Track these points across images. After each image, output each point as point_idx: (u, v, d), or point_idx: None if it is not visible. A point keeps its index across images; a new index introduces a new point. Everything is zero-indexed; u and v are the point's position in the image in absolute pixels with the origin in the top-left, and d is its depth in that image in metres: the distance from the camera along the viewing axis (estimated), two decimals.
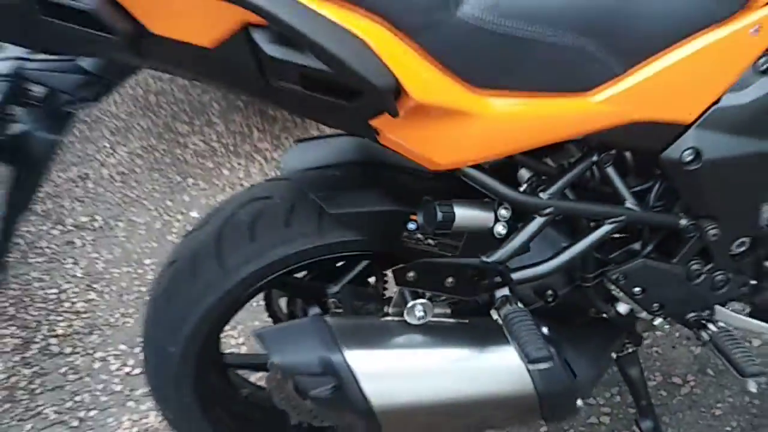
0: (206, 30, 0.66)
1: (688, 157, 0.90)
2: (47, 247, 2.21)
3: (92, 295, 1.99)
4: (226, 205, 1.01)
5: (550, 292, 0.98)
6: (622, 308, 1.02)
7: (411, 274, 0.87)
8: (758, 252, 1.02)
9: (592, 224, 0.93)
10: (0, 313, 1.98)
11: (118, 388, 1.68)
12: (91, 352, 1.80)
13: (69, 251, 2.19)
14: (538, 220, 0.87)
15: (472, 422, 0.95)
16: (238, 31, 0.66)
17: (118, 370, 1.74)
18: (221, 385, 1.16)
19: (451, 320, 0.94)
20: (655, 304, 1.00)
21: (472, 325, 0.95)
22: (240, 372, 1.27)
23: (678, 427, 1.41)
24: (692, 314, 1.03)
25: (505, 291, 0.90)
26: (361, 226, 0.92)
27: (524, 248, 0.88)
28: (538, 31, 0.77)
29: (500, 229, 0.87)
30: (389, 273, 0.94)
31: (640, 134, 0.88)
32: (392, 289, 0.99)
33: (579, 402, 0.97)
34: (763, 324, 1.08)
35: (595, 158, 0.91)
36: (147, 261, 2.09)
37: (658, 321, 1.03)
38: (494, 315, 0.89)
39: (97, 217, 2.33)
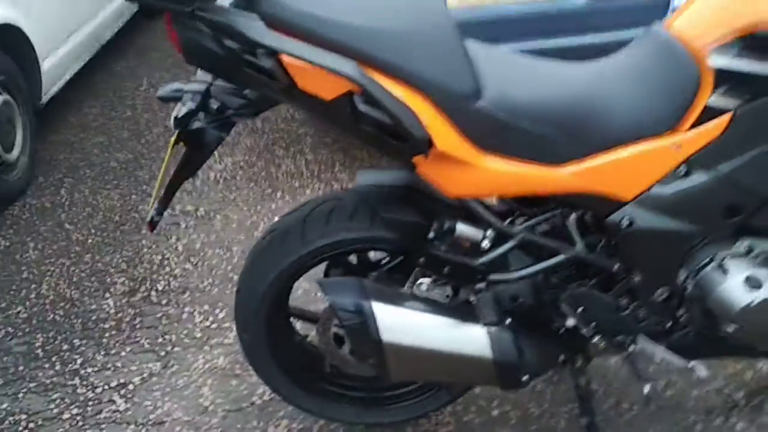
0: (328, 91, 1.17)
1: (624, 223, 1.34)
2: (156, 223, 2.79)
3: (188, 266, 2.54)
4: (312, 200, 1.52)
5: (520, 299, 1.42)
6: (570, 322, 1.44)
7: (422, 260, 1.35)
8: (674, 302, 1.43)
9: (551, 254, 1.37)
10: (115, 266, 2.56)
11: (198, 335, 2.19)
12: (181, 306, 2.33)
13: (174, 230, 2.76)
14: (510, 243, 1.33)
15: (446, 371, 1.40)
16: (345, 94, 1.17)
17: (200, 322, 2.25)
18: (283, 326, 1.65)
19: (446, 298, 1.40)
20: (592, 324, 1.43)
21: (459, 304, 1.41)
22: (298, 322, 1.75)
23: None
24: (620, 337, 1.44)
25: (483, 285, 1.35)
26: (397, 229, 1.40)
27: (500, 260, 1.34)
28: (527, 123, 1.25)
29: (485, 244, 1.34)
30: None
31: (592, 201, 1.33)
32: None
33: (525, 377, 1.40)
34: (672, 355, 1.47)
35: (559, 211, 1.36)
36: (235, 248, 2.62)
37: (595, 339, 1.45)
38: (473, 299, 1.35)
39: (200, 208, 2.90)
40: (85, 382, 2.04)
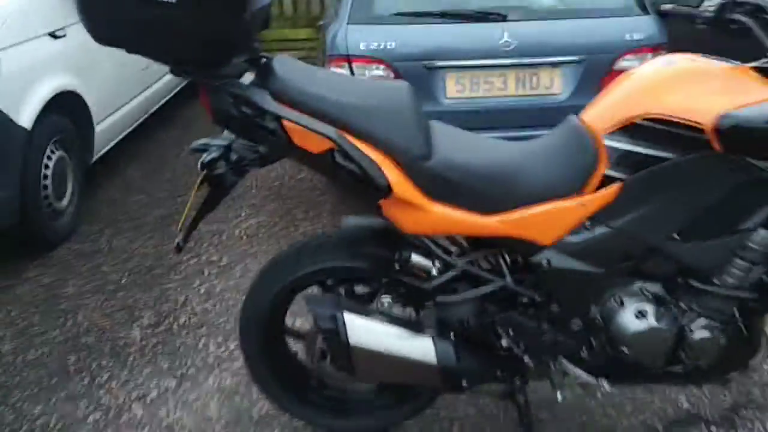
0: (316, 147, 1.66)
1: (544, 263, 1.77)
2: (184, 270, 3.30)
3: (207, 306, 3.01)
4: (306, 238, 2.00)
5: (465, 320, 1.84)
6: (504, 343, 1.85)
7: (385, 282, 1.80)
8: (590, 333, 1.84)
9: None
10: (144, 303, 3.04)
11: (211, 361, 2.62)
12: (198, 338, 2.77)
13: (199, 276, 3.25)
14: (452, 272, 1.78)
15: (401, 373, 1.81)
16: (328, 149, 1.66)
17: (213, 351, 2.68)
18: (278, 341, 2.09)
19: (403, 314, 1.85)
20: (521, 345, 1.84)
21: (413, 319, 1.85)
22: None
23: None
24: (544, 357, 1.85)
25: (431, 305, 1.80)
26: (369, 259, 1.86)
27: (446, 285, 1.78)
28: (467, 181, 1.72)
29: (434, 272, 1.79)
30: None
31: (518, 244, 1.77)
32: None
33: (464, 383, 1.81)
34: (587, 375, 1.86)
35: (493, 250, 1.81)
36: None
37: (525, 358, 1.86)
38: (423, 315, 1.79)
39: (223, 259, 3.40)
40: (108, 394, 2.47)
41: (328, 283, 1.95)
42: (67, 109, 3.66)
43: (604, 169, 1.74)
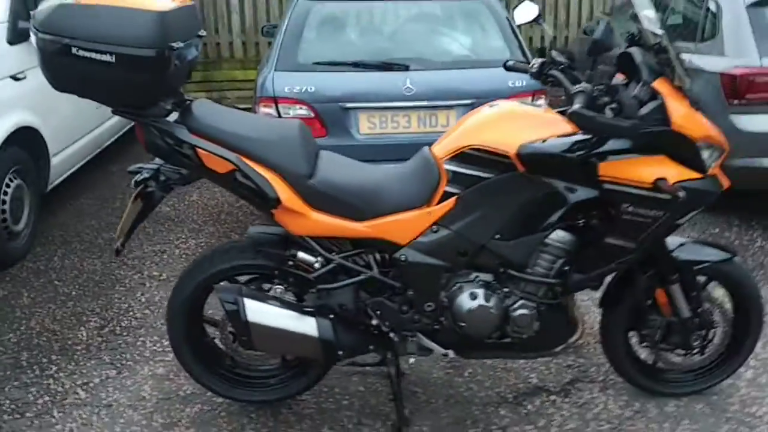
0: (222, 168, 2.20)
1: (402, 259, 2.32)
2: (128, 283, 3.77)
3: (147, 312, 3.48)
4: (220, 243, 2.51)
5: (343, 304, 2.36)
6: (374, 322, 2.38)
7: (277, 273, 2.33)
8: (439, 313, 2.38)
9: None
10: (91, 310, 3.48)
11: (147, 354, 3.08)
12: (137, 337, 3.24)
13: (141, 288, 3.72)
14: (330, 266, 2.31)
15: (288, 345, 2.33)
16: (231, 170, 2.20)
17: (150, 347, 3.15)
18: (198, 328, 2.58)
19: (292, 299, 2.37)
20: (387, 323, 2.37)
21: (300, 302, 2.37)
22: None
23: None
24: (405, 332, 2.38)
25: (314, 291, 2.32)
26: (269, 258, 2.39)
27: (326, 276, 2.31)
28: (340, 195, 2.27)
29: (316, 265, 2.32)
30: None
31: (382, 244, 2.32)
32: None
33: (340, 353, 2.34)
34: (434, 344, 2.41)
35: (364, 249, 2.35)
36: None
37: (391, 334, 2.39)
38: (307, 299, 2.32)
39: (164, 274, 3.87)
40: (56, 382, 2.91)
41: (237, 278, 2.46)
42: (25, 143, 4.12)
43: (444, 186, 2.30)
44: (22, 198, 4.10)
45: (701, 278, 2.62)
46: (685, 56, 4.84)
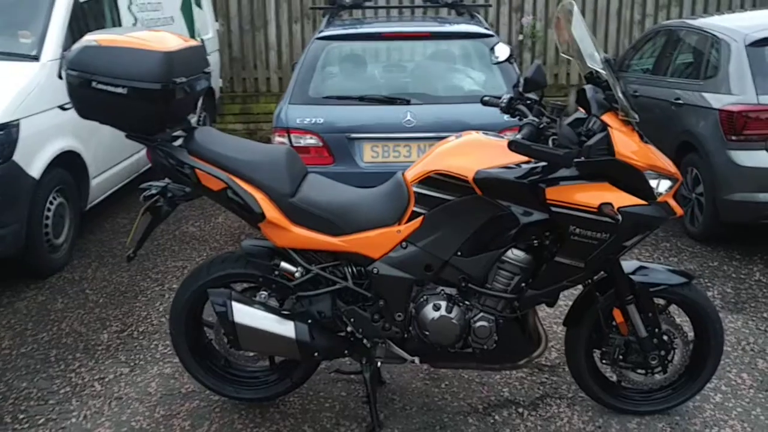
0: (215, 186, 2.53)
1: (375, 271, 2.59)
2: (149, 294, 4.12)
3: (163, 320, 3.81)
4: (216, 254, 2.83)
5: (320, 310, 2.63)
6: (349, 329, 2.63)
7: (261, 280, 2.63)
8: (407, 322, 2.63)
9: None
10: (114, 317, 3.84)
11: (158, 356, 3.42)
12: (152, 341, 3.58)
13: (161, 299, 4.07)
14: (309, 275, 2.59)
15: (269, 344, 2.61)
16: (223, 188, 2.52)
17: (162, 350, 3.48)
18: (197, 330, 2.89)
19: (275, 304, 2.65)
20: (360, 330, 2.63)
21: (280, 307, 2.65)
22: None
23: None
24: (375, 339, 2.63)
25: (294, 298, 2.60)
26: (258, 268, 2.68)
27: (306, 285, 2.59)
28: (318, 213, 2.57)
29: (297, 275, 2.60)
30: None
31: (357, 257, 2.60)
32: None
33: (316, 355, 2.61)
34: (403, 352, 2.64)
35: (339, 261, 2.63)
36: None
37: (364, 340, 2.64)
38: (287, 304, 2.61)
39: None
40: (77, 376, 3.27)
41: (231, 285, 2.76)
42: (68, 165, 4.57)
43: (413, 207, 2.58)
44: (63, 215, 4.53)
45: (661, 301, 2.80)
46: (689, 93, 5.04)
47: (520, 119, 2.73)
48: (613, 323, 2.76)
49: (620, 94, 2.48)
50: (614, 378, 2.92)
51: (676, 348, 2.82)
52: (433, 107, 4.27)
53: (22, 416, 2.96)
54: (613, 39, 8.93)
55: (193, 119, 5.62)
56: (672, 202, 2.55)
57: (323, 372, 3.13)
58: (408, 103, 4.27)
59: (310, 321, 2.63)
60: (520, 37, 8.81)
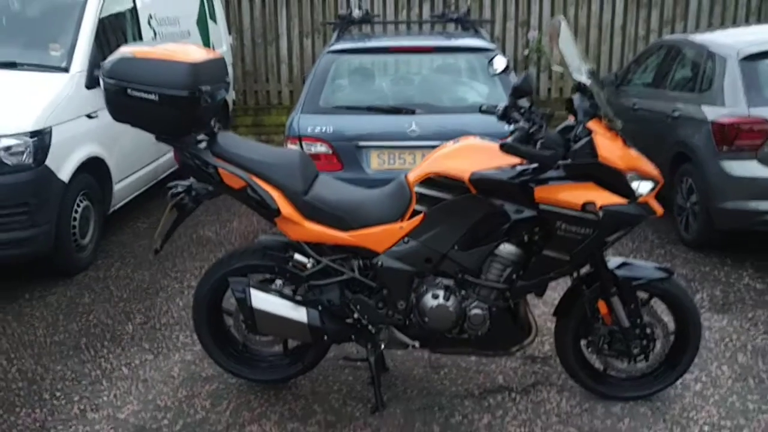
0: (237, 184, 2.84)
1: (379, 264, 2.88)
2: (170, 290, 4.43)
3: (183, 314, 4.12)
4: (236, 247, 3.12)
5: (329, 298, 2.92)
6: (356, 315, 2.92)
7: (277, 270, 2.92)
8: (409, 310, 2.91)
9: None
10: (138, 310, 4.14)
11: (179, 345, 3.72)
12: (173, 332, 3.89)
13: (180, 295, 4.38)
14: (319, 266, 2.89)
15: (284, 328, 2.90)
16: (244, 186, 2.83)
17: (182, 339, 3.79)
18: (217, 317, 3.18)
19: (289, 292, 2.95)
20: (365, 317, 2.91)
21: (295, 295, 2.94)
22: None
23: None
24: (380, 326, 2.91)
25: (307, 287, 2.90)
26: (274, 259, 2.98)
27: (318, 274, 2.88)
28: (329, 209, 2.86)
29: (309, 265, 2.90)
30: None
31: (363, 251, 2.90)
32: None
33: (325, 338, 2.90)
34: (405, 337, 2.92)
35: (348, 254, 2.91)
36: None
37: (369, 326, 2.92)
38: (300, 292, 2.90)
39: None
40: (106, 360, 3.58)
41: (250, 275, 3.06)
42: (94, 171, 4.90)
43: (414, 205, 2.87)
44: (88, 217, 4.86)
45: (644, 294, 3.07)
46: (685, 106, 5.31)
47: (514, 125, 3.02)
48: (598, 314, 3.03)
49: (604, 103, 2.76)
50: (600, 366, 3.19)
51: (657, 338, 3.08)
52: (436, 117, 4.58)
53: (59, 394, 3.27)
54: (618, 53, 9.22)
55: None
56: (653, 202, 2.83)
57: (332, 359, 3.42)
58: (413, 113, 4.58)
59: (320, 307, 2.92)
60: (526, 52, 9.12)
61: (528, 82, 2.72)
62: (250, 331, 3.04)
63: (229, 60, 8.31)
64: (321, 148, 4.50)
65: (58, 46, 5.02)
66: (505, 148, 2.67)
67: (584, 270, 3.02)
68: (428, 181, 2.84)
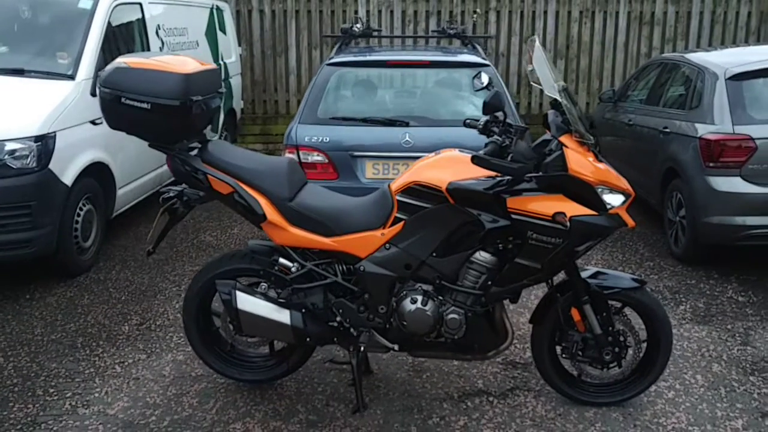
0: (224, 190, 2.98)
1: (361, 269, 3.00)
2: (167, 293, 4.57)
3: (178, 316, 4.24)
4: (225, 251, 3.26)
5: (312, 301, 3.04)
6: (338, 318, 3.04)
7: (262, 273, 3.05)
8: (389, 314, 3.02)
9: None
10: (135, 312, 4.28)
11: (172, 345, 3.86)
12: (167, 333, 4.03)
13: (176, 297, 4.51)
14: (303, 270, 3.01)
15: (268, 329, 3.02)
16: (231, 192, 2.97)
17: (175, 340, 3.92)
18: (206, 318, 3.31)
19: (273, 294, 3.07)
20: (347, 320, 3.03)
21: (278, 297, 3.07)
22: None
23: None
24: (360, 329, 3.03)
25: (290, 290, 3.02)
26: (262, 263, 3.11)
27: (302, 278, 3.01)
28: (314, 216, 2.99)
29: (294, 270, 3.03)
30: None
31: (346, 256, 3.02)
32: None
33: (308, 340, 3.02)
34: (384, 340, 3.03)
35: (331, 259, 3.04)
36: None
37: (351, 329, 3.04)
38: (284, 295, 3.03)
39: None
40: (100, 359, 3.72)
41: (238, 278, 3.19)
42: (97, 175, 5.05)
43: (395, 213, 3.00)
44: (91, 221, 5.02)
45: (616, 303, 3.17)
46: (676, 123, 5.42)
47: (489, 138, 3.14)
48: (572, 321, 3.13)
49: (576, 119, 2.89)
50: (575, 372, 3.29)
51: (629, 346, 3.19)
52: (429, 129, 4.71)
53: (52, 390, 3.41)
54: (620, 69, 9.34)
55: (215, 138, 6.11)
56: (624, 214, 2.94)
57: (318, 362, 3.53)
58: (407, 125, 4.71)
59: (303, 310, 3.05)
60: (530, 67, 9.23)
61: (498, 99, 2.84)
62: (236, 333, 3.17)
63: (238, 70, 8.53)
64: (317, 158, 4.64)
65: (66, 54, 5.20)
66: (476, 161, 2.79)
67: (557, 278, 3.14)
68: (409, 190, 2.97)
